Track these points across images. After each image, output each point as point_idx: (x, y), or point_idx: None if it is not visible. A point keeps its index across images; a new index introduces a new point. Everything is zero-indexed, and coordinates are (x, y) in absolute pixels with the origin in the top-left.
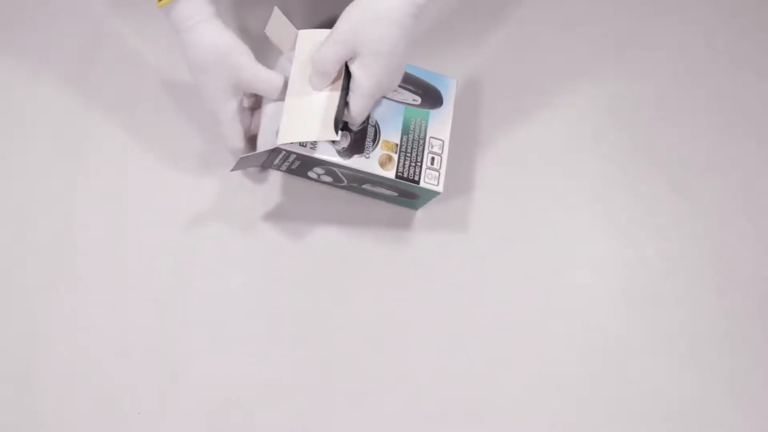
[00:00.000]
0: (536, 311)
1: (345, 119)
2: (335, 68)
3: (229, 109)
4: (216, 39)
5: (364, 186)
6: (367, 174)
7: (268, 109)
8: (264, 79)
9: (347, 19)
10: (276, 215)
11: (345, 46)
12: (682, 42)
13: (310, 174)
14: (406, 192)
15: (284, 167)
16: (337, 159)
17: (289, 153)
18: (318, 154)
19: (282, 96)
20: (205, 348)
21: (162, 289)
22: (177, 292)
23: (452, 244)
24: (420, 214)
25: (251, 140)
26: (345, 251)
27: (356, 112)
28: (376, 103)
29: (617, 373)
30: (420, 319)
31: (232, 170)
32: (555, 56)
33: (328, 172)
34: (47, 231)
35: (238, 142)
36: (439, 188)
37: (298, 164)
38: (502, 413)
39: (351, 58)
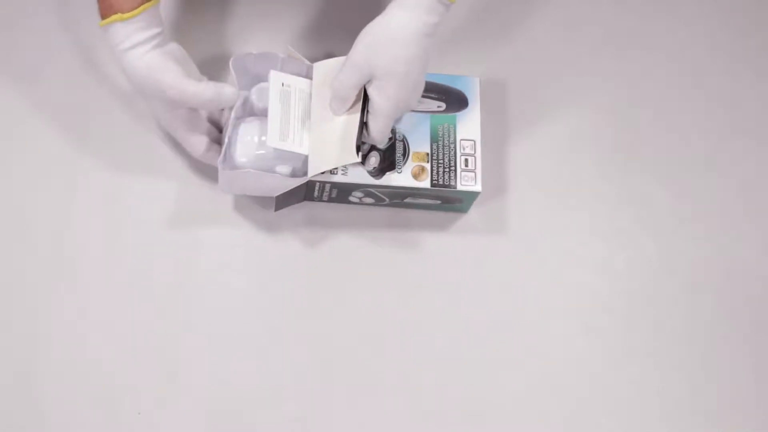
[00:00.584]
0: (536, 311)
1: (366, 141)
2: (354, 93)
3: (176, 118)
4: (136, 63)
5: (406, 200)
6: (402, 188)
7: (235, 122)
8: (191, 93)
9: (361, 44)
10: (276, 215)
11: (361, 71)
12: (682, 42)
13: (351, 199)
14: (449, 198)
15: (325, 197)
16: (369, 180)
17: (324, 183)
18: (350, 179)
19: (224, 105)
20: (205, 348)
21: (162, 289)
22: (177, 292)
23: (452, 244)
24: (420, 214)
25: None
26: (345, 251)
27: (376, 134)
28: (400, 117)
29: (617, 373)
30: (420, 319)
31: (276, 210)
32: (555, 56)
33: (368, 194)
34: (47, 231)
35: (200, 146)
36: (477, 188)
37: (336, 192)
38: (502, 413)
39: (368, 81)
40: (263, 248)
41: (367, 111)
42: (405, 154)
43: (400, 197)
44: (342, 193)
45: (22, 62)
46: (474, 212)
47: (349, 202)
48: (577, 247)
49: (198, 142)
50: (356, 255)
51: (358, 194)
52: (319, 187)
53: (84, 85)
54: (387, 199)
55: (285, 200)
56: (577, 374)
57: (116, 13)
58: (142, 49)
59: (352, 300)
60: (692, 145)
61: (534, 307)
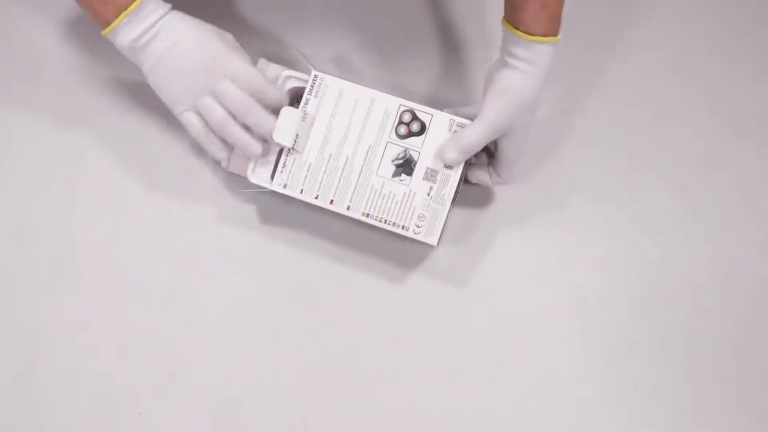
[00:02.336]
0: (536, 311)
1: (493, 183)
2: (481, 148)
3: (219, 108)
4: (195, 40)
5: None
6: (356, 220)
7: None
8: (251, 67)
9: (500, 107)
10: (277, 215)
11: (498, 131)
12: (682, 42)
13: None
14: None
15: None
16: (321, 203)
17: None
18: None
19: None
20: (205, 348)
21: (162, 289)
22: (177, 292)
23: (451, 245)
24: None
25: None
26: (346, 252)
27: (509, 179)
28: None
29: (617, 373)
30: (420, 319)
31: (245, 190)
32: (555, 56)
33: None
34: (47, 231)
35: (223, 149)
36: (431, 240)
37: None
38: (502, 413)
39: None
40: (263, 248)
41: (498, 161)
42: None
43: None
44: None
45: (22, 62)
46: (476, 216)
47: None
48: (576, 247)
49: (222, 143)
50: (356, 255)
51: None
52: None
53: (84, 85)
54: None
55: (250, 187)
56: (577, 374)
57: (120, 12)
58: (181, 13)
59: (353, 300)
60: (692, 145)
61: (534, 306)
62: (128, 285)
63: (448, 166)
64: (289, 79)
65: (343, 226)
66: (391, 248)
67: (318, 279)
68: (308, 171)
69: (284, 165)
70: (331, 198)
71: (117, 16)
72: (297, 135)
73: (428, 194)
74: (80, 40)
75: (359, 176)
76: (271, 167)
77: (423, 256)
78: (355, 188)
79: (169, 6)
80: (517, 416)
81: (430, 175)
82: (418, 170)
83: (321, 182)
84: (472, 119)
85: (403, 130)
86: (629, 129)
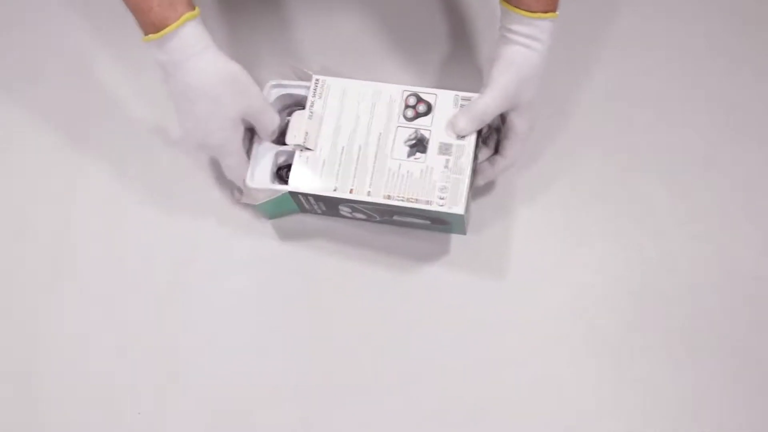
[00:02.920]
0: (536, 311)
1: (495, 168)
2: (491, 119)
3: (238, 139)
4: (227, 64)
5: (395, 218)
6: (379, 205)
7: (260, 149)
8: (271, 113)
9: (509, 77)
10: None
11: (510, 101)
12: (682, 42)
13: (342, 212)
14: (435, 218)
15: (318, 209)
16: (341, 194)
17: (307, 195)
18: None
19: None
20: (205, 348)
21: (162, 289)
22: (177, 292)
23: (450, 245)
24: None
25: None
26: (345, 252)
27: (515, 157)
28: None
29: (617, 373)
30: (420, 319)
31: (243, 201)
32: (555, 56)
33: (355, 210)
34: (47, 231)
35: (246, 169)
36: (457, 209)
37: (323, 205)
38: (502, 413)
39: (509, 110)
40: (263, 249)
41: (506, 137)
42: None
43: (388, 214)
44: (330, 206)
45: (22, 62)
46: (475, 215)
47: (343, 216)
48: (576, 247)
49: (246, 167)
50: (357, 255)
51: (346, 208)
52: (304, 199)
53: (84, 85)
54: (377, 216)
55: (255, 194)
56: (577, 374)
57: (182, 15)
58: (219, 52)
59: (353, 300)
60: (692, 145)
61: (534, 307)
62: (128, 285)
63: (461, 138)
64: (275, 88)
65: (343, 232)
66: (389, 252)
67: (319, 279)
68: (323, 166)
69: (300, 165)
70: (350, 188)
71: (153, 30)
72: (307, 133)
73: (446, 166)
74: (80, 40)
75: (374, 162)
76: (269, 169)
77: (422, 260)
78: (372, 174)
79: (203, 43)
80: (516, 416)
81: (445, 148)
82: (432, 146)
83: (337, 174)
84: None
85: (410, 113)
86: (629, 129)
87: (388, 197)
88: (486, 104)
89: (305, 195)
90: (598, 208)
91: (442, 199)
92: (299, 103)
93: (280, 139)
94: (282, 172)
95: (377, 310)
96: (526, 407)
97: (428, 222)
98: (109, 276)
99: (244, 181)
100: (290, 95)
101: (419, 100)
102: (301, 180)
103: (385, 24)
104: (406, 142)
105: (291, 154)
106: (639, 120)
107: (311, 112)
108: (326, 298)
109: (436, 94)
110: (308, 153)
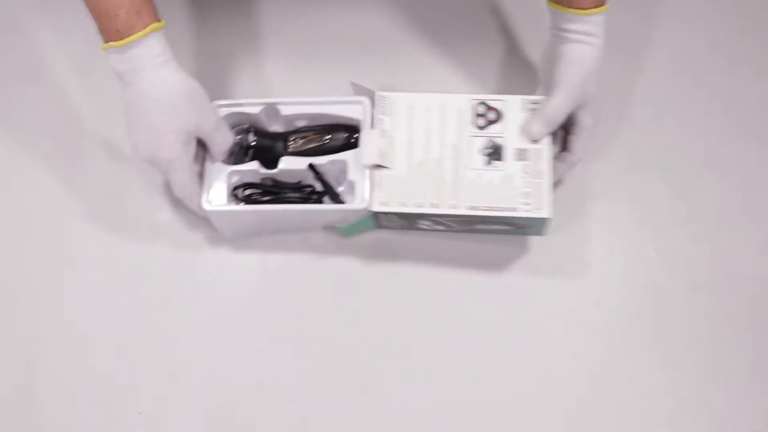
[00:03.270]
0: (536, 311)
1: (569, 164)
2: (563, 120)
3: (190, 154)
4: (188, 79)
5: (476, 226)
6: (463, 216)
7: (212, 171)
8: (226, 132)
9: (574, 76)
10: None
11: (576, 100)
12: (682, 42)
13: (421, 226)
14: (517, 224)
15: (396, 224)
16: (426, 210)
17: (388, 213)
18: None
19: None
20: (205, 348)
21: (162, 289)
22: (177, 292)
23: (450, 245)
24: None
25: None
26: (345, 252)
27: (583, 152)
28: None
29: (617, 373)
30: (420, 319)
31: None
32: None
33: (436, 222)
34: (47, 231)
35: (196, 189)
36: (544, 213)
37: (404, 221)
38: (501, 413)
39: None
40: (263, 248)
41: (573, 133)
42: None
43: (467, 224)
44: (409, 221)
45: (22, 62)
46: None
47: (422, 229)
48: (576, 247)
49: (196, 184)
50: (357, 256)
51: (426, 222)
52: (386, 217)
53: (84, 85)
54: (455, 226)
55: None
56: (577, 374)
57: (148, 25)
58: (177, 65)
59: (352, 299)
60: (692, 145)
61: (534, 307)
62: (128, 285)
63: (536, 141)
64: (222, 108)
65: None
66: (386, 251)
67: (318, 279)
68: (402, 183)
69: (379, 184)
70: (431, 201)
71: (116, 38)
72: (381, 152)
73: (525, 172)
74: (80, 40)
75: (453, 174)
76: (224, 190)
77: (420, 261)
78: (453, 186)
79: (166, 56)
80: (516, 416)
81: (521, 154)
82: (508, 153)
83: (419, 190)
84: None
85: (481, 121)
86: (629, 129)
87: (473, 208)
88: (558, 106)
89: (386, 213)
90: (598, 209)
91: (527, 204)
92: (251, 122)
93: (231, 159)
94: (237, 192)
95: (376, 311)
96: (525, 407)
97: (510, 227)
98: (109, 276)
99: (199, 205)
100: (240, 114)
101: (488, 108)
102: (384, 199)
103: (429, 34)
104: (481, 151)
105: (245, 174)
106: (639, 120)
107: (382, 130)
108: (326, 297)
109: (503, 100)
110: (384, 171)
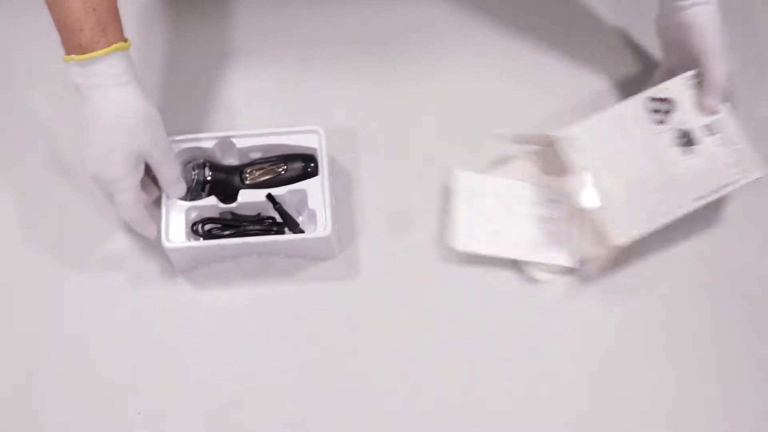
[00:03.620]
0: (536, 311)
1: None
2: (727, 83)
3: (137, 177)
4: (147, 103)
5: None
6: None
7: (171, 208)
8: (173, 165)
9: (712, 38)
10: None
11: (724, 60)
12: None
13: None
14: None
15: None
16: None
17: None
18: None
19: (180, 196)
20: (205, 348)
21: (162, 289)
22: (177, 291)
23: (445, 246)
24: (423, 215)
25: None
26: (343, 252)
27: (718, 104)
28: None
29: (617, 373)
30: (420, 320)
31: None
32: (555, 56)
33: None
34: (47, 231)
35: (142, 210)
36: (757, 173)
37: None
38: (501, 413)
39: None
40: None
41: (703, 91)
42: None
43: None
44: None
45: (22, 62)
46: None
47: None
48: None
49: (141, 206)
50: (357, 255)
51: None
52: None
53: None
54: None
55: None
56: (577, 374)
57: (113, 44)
58: (138, 87)
59: (352, 299)
60: None
61: (534, 306)
62: (128, 285)
63: (714, 113)
64: (176, 143)
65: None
66: (386, 250)
67: (318, 279)
68: (627, 207)
69: (611, 219)
70: (665, 211)
71: (79, 52)
72: (596, 190)
73: (722, 144)
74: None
75: (664, 177)
76: (183, 227)
77: (421, 259)
78: (670, 188)
79: (128, 76)
80: (516, 416)
81: (709, 130)
82: (698, 134)
83: (642, 209)
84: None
85: (658, 116)
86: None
87: (699, 198)
88: (720, 73)
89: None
90: None
91: (744, 171)
92: (205, 157)
93: (188, 195)
94: (196, 227)
95: (376, 311)
96: (525, 407)
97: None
98: (109, 275)
99: (145, 228)
100: (194, 149)
101: (660, 100)
102: (625, 228)
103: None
104: (673, 143)
105: (204, 209)
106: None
107: (583, 170)
108: (326, 297)
109: (667, 87)
110: (605, 204)
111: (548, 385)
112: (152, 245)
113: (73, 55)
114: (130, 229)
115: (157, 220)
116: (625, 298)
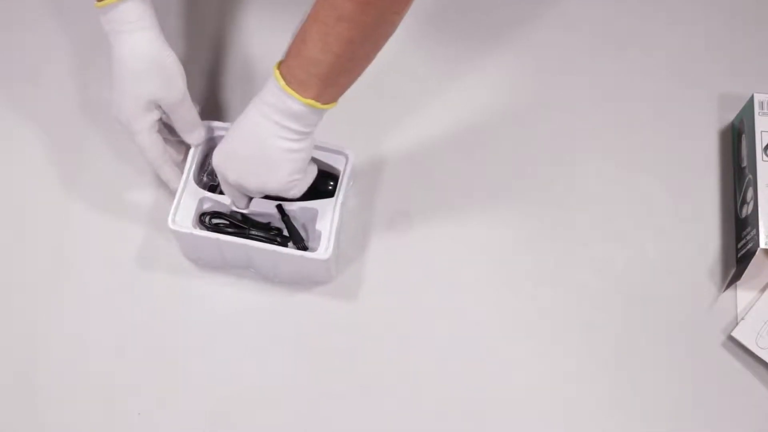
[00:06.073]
0: (536, 311)
1: None
2: None
3: (148, 121)
4: (161, 49)
5: None
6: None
7: (187, 191)
8: (189, 105)
9: None
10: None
11: None
12: (682, 42)
13: None
14: None
15: None
16: None
17: None
18: None
19: (200, 143)
20: (205, 348)
21: (162, 289)
22: (177, 291)
23: (449, 243)
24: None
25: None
26: (343, 252)
27: None
28: None
29: (617, 373)
30: (419, 320)
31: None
32: (555, 56)
33: None
34: (47, 231)
35: (159, 153)
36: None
37: None
38: (502, 413)
39: None
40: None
41: None
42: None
43: None
44: None
45: (22, 62)
46: (473, 210)
47: None
48: (576, 247)
49: (158, 147)
50: (357, 256)
51: None
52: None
53: (84, 85)
54: None
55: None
56: (577, 374)
57: None
58: (155, 34)
59: (352, 299)
60: (692, 145)
61: (534, 306)
62: (128, 284)
63: None
64: (212, 127)
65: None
66: (386, 250)
67: (319, 284)
68: None
69: None
70: None
71: None
72: None
73: None
74: (80, 40)
75: None
76: (192, 214)
77: (421, 258)
78: None
79: (144, 22)
80: (515, 416)
81: None
82: None
83: None
84: None
85: None
86: (629, 129)
87: None
88: None
89: None
90: (598, 208)
91: None
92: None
93: (206, 181)
94: (204, 218)
95: (376, 310)
96: (525, 407)
97: None
98: (109, 275)
99: (166, 172)
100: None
101: None
102: None
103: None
104: None
105: (217, 203)
106: (639, 120)
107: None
108: (325, 297)
109: None
110: None
111: (548, 385)
112: (153, 245)
113: (96, 3)
114: (159, 183)
115: (171, 201)
116: (624, 298)
